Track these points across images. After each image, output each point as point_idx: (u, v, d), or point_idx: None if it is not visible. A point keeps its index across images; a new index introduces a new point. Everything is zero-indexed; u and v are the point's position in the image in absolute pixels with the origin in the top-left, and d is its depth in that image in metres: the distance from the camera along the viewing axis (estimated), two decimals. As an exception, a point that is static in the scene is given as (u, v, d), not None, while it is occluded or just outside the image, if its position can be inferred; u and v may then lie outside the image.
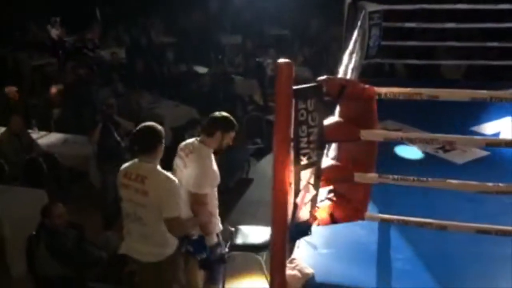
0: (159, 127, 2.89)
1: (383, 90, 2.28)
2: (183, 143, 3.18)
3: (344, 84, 2.43)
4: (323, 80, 2.31)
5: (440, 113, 4.31)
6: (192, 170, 2.99)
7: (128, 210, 2.86)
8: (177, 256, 2.98)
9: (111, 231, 4.39)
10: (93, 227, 4.66)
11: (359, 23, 5.17)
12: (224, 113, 3.12)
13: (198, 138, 3.13)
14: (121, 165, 2.99)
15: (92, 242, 4.10)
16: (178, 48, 10.02)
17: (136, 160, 2.88)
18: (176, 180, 2.85)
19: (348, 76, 3.86)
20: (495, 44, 6.33)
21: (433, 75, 6.74)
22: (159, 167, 2.85)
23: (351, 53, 4.22)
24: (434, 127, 4.27)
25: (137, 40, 10.27)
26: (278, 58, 2.28)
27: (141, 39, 10.32)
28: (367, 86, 2.35)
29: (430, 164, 3.91)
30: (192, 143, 3.11)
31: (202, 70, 8.87)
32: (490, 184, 2.21)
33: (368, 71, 6.00)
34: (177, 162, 3.14)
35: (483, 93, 2.09)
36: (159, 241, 2.83)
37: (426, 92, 2.21)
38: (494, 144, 2.21)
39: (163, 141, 2.89)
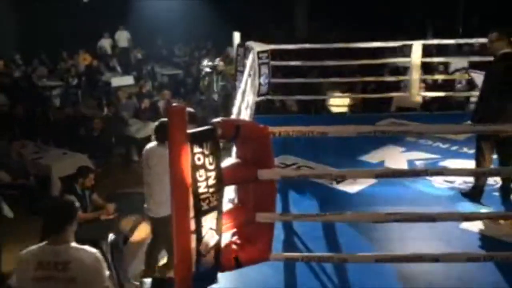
0: (70, 202, 2.68)
1: (277, 129, 2.31)
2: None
3: (239, 124, 2.41)
4: (218, 122, 2.28)
5: (330, 145, 4.61)
6: None
7: None
8: None
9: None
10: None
11: (248, 63, 5.32)
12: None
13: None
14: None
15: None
16: (64, 91, 9.45)
17: (43, 244, 2.48)
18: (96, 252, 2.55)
19: (242, 115, 3.89)
20: (371, 79, 7.01)
21: (321, 109, 7.18)
22: (74, 244, 2.51)
23: (244, 92, 4.28)
24: (326, 157, 4.56)
25: (17, 83, 9.48)
26: (173, 98, 2.20)
27: (21, 82, 9.55)
28: (261, 125, 2.36)
29: (327, 195, 4.07)
30: None
31: (92, 112, 8.43)
32: (383, 213, 2.33)
33: (261, 108, 6.19)
34: None
35: (368, 128, 2.22)
36: None
37: (317, 129, 2.28)
38: (383, 175, 2.35)
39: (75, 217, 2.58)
